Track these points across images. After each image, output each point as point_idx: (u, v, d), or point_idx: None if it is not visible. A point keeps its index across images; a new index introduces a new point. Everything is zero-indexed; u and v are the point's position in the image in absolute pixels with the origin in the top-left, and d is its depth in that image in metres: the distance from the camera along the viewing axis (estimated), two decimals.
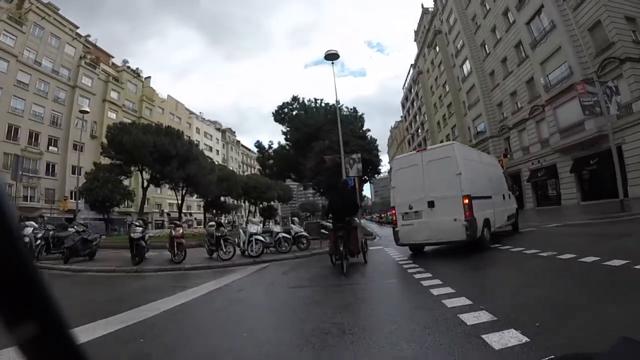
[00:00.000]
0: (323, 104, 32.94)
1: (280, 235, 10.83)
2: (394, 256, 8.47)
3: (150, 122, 36.53)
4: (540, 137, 23.75)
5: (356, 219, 8.71)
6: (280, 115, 35.71)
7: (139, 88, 50.20)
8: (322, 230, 17.92)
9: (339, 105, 24.86)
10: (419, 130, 58.46)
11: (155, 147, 27.50)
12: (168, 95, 57.10)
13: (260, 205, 63.39)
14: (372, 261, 8.04)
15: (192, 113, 66.04)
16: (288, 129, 35.21)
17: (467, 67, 33.43)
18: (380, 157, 26.23)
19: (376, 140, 26.35)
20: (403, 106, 71.33)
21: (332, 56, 18.69)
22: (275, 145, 35.68)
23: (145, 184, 30.53)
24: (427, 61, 48.64)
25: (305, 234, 11.57)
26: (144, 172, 30.23)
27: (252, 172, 70.54)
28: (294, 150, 34.23)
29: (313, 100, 33.89)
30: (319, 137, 26.90)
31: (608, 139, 18.61)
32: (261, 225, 13.02)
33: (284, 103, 34.72)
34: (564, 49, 20.49)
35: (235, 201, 62.99)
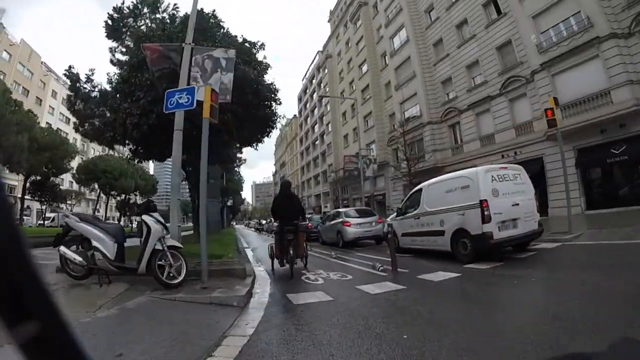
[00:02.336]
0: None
1: None
2: None
3: None
4: (515, 121, 16.74)
5: (304, 222, 7.30)
6: (118, 24, 19.64)
7: None
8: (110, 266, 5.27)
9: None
10: (316, 126, 50.15)
11: None
12: (22, 40, 41.95)
13: (117, 198, 46.97)
14: None
15: (50, 70, 48.49)
16: (125, 49, 19.59)
17: (401, 37, 25.93)
18: (278, 93, 13.60)
19: (269, 66, 13.55)
20: (300, 100, 62.43)
21: None
22: (101, 79, 19.33)
23: None
24: (341, 42, 40.92)
25: None
26: None
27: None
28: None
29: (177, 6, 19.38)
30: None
31: None
32: None
33: (123, 5, 18.95)
34: None
35: (84, 188, 45.31)
